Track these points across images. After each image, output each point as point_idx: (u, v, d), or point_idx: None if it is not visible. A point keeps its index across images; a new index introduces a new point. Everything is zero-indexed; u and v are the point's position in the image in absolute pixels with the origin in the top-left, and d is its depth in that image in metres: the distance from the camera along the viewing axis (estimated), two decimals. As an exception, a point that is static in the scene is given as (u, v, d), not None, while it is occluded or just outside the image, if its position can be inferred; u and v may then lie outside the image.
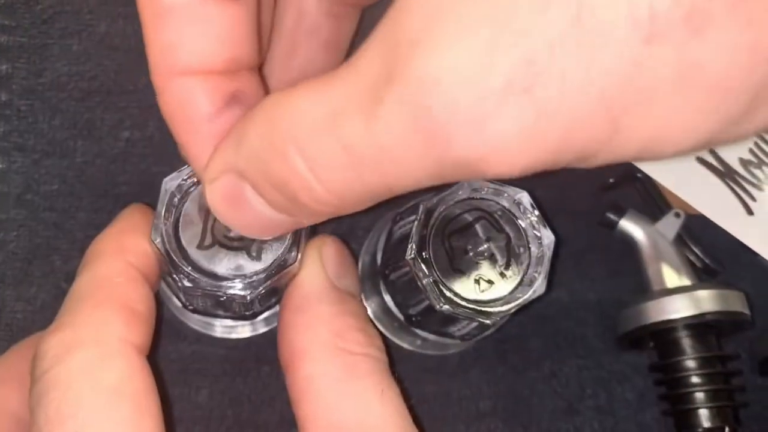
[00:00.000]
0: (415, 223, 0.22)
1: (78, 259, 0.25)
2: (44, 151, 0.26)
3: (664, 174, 0.28)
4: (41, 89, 0.27)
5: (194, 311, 0.24)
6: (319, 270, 0.21)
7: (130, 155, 0.27)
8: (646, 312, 0.25)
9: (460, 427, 0.26)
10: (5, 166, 0.26)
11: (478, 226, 0.22)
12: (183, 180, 0.21)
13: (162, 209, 0.21)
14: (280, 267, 0.21)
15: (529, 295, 0.21)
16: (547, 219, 0.23)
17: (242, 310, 0.23)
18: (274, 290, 0.23)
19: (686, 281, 0.26)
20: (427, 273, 0.21)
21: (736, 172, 0.28)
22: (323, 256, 0.22)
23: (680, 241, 0.27)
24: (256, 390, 0.26)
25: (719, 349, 0.26)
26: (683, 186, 0.28)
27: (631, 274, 0.27)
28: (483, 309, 0.21)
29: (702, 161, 0.28)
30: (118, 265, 0.20)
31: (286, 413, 0.26)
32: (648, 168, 0.28)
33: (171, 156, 0.27)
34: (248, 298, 0.21)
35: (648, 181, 0.28)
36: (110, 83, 0.27)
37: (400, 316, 0.24)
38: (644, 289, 0.27)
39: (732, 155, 0.28)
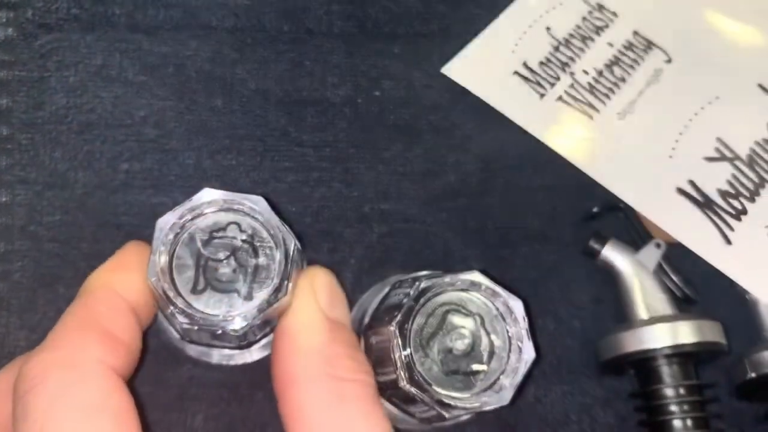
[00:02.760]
0: (407, 296, 0.22)
1: (80, 287, 0.26)
2: (46, 183, 0.27)
3: (645, 204, 0.29)
4: (41, 122, 0.28)
5: (191, 342, 0.25)
6: (310, 300, 0.22)
7: (130, 186, 0.28)
8: (627, 341, 0.26)
9: (447, 451, 0.27)
10: (9, 198, 0.27)
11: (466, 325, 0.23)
12: (177, 219, 0.22)
13: (157, 249, 0.22)
14: (270, 304, 0.22)
15: (494, 402, 0.21)
16: (535, 253, 0.23)
17: (237, 342, 0.24)
18: (267, 321, 0.24)
19: (666, 311, 0.27)
20: (402, 347, 0.22)
21: (715, 203, 0.29)
22: (316, 287, 0.23)
23: (660, 270, 0.28)
24: (250, 415, 0.27)
25: (697, 378, 0.26)
26: (663, 215, 0.28)
27: (613, 302, 0.28)
28: (445, 401, 0.21)
29: (682, 192, 0.29)
30: (105, 296, 0.21)
31: (281, 437, 0.27)
32: (630, 198, 0.29)
33: (169, 187, 0.28)
34: (241, 332, 0.22)
35: (630, 211, 0.29)
36: (108, 115, 0.28)
37: None
38: (625, 317, 0.28)
39: (711, 186, 0.29)
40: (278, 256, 0.23)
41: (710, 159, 0.29)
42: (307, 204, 0.29)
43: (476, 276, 0.23)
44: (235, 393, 0.27)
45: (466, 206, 0.30)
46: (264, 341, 0.26)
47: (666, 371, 0.26)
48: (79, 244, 0.27)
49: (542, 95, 0.30)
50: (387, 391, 0.24)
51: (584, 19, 0.31)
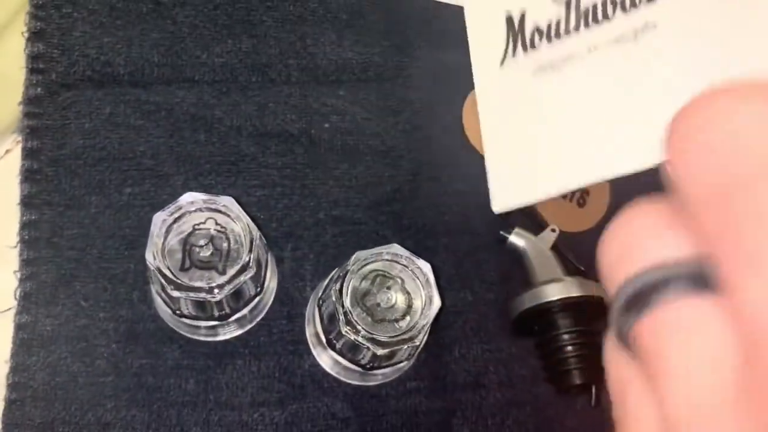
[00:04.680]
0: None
1: (93, 284, 0.34)
2: (66, 204, 0.35)
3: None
4: (63, 158, 0.35)
5: (181, 316, 0.32)
6: None
7: (132, 206, 0.35)
8: (527, 299, 0.33)
9: (391, 402, 0.34)
10: (37, 217, 0.34)
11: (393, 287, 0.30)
12: (167, 216, 0.30)
13: (153, 238, 0.29)
14: (238, 275, 0.29)
15: (413, 339, 0.29)
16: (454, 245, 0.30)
17: (217, 311, 0.31)
18: (238, 293, 0.31)
19: (559, 275, 0.34)
20: (342, 304, 0.29)
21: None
22: None
23: (556, 249, 0.35)
24: (232, 379, 0.33)
25: (586, 325, 0.33)
26: None
27: (520, 277, 0.35)
28: (376, 339, 0.28)
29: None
30: None
31: (257, 396, 0.33)
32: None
33: (163, 204, 0.35)
34: (218, 297, 0.29)
35: (531, 205, 0.36)
36: (115, 152, 0.36)
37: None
38: (529, 285, 0.35)
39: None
40: (245, 241, 0.30)
41: None
42: (272, 213, 0.36)
43: (396, 248, 0.30)
44: (219, 362, 0.33)
45: (400, 210, 0.37)
46: (237, 315, 0.33)
47: (559, 320, 0.32)
48: (92, 251, 0.34)
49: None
50: (336, 344, 0.31)
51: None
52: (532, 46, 0.32)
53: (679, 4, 0.27)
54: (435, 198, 0.37)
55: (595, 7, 0.30)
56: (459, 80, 0.39)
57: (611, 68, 0.29)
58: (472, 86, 0.39)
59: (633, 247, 0.14)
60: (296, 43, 0.39)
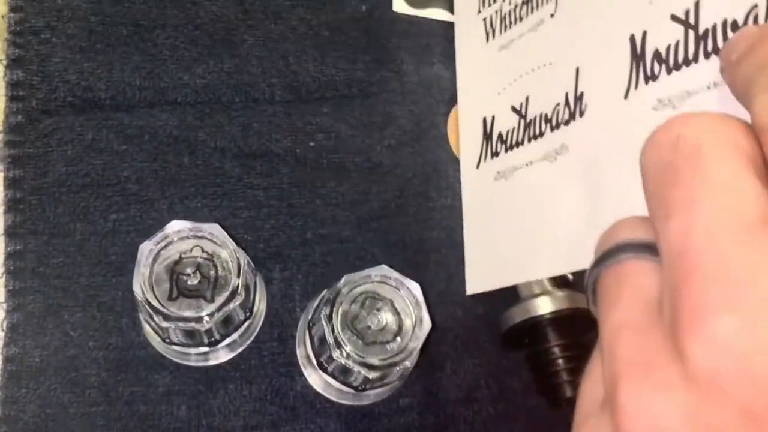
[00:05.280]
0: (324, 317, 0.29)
1: (81, 313, 0.33)
2: (51, 233, 0.34)
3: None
4: (46, 186, 0.35)
5: (171, 344, 0.32)
6: None
7: (118, 232, 0.35)
8: (518, 312, 0.33)
9: (384, 420, 0.34)
10: (22, 246, 0.34)
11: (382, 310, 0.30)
12: (154, 245, 0.29)
13: (140, 268, 0.29)
14: (227, 304, 0.29)
15: (405, 361, 0.29)
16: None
17: (207, 338, 0.31)
18: (228, 319, 0.30)
19: (547, 288, 0.34)
20: (331, 329, 0.29)
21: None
22: None
23: (544, 261, 0.35)
24: (224, 403, 0.33)
25: (576, 337, 0.33)
26: None
27: (510, 291, 0.35)
28: (367, 363, 0.28)
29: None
30: None
31: (249, 420, 0.33)
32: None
33: (149, 229, 0.35)
34: (207, 326, 0.29)
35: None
36: (99, 178, 0.35)
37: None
38: (518, 299, 0.35)
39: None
40: (233, 268, 0.30)
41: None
42: (259, 234, 0.36)
43: (384, 269, 0.30)
44: (210, 386, 0.33)
45: (388, 226, 0.37)
46: (228, 340, 0.32)
47: (549, 333, 0.33)
48: (79, 279, 0.34)
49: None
50: (327, 366, 0.31)
51: None
52: (496, 153, 0.35)
53: (585, 129, 0.29)
54: (422, 213, 0.37)
55: (534, 122, 0.33)
56: (442, 94, 0.39)
57: (542, 182, 0.32)
58: (455, 100, 0.39)
59: (612, 232, 0.19)
60: (279, 62, 0.39)
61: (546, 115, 0.32)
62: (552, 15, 0.33)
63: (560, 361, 0.32)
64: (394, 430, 0.34)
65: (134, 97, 0.37)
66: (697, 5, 0.24)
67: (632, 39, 0.27)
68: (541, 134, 0.32)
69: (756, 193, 0.15)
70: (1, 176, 0.35)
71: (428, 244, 0.37)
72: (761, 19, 0.21)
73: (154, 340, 0.33)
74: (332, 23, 0.40)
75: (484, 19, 0.38)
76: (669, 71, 0.24)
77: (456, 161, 0.38)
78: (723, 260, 0.14)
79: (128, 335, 0.33)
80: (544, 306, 0.33)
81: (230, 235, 0.34)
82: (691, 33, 0.24)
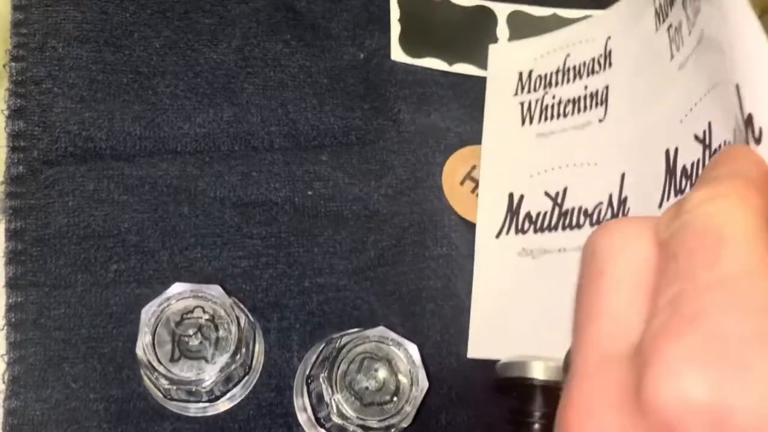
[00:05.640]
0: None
1: (82, 364, 0.34)
2: (52, 284, 0.35)
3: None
4: (47, 238, 0.35)
5: (172, 399, 0.32)
6: None
7: (118, 283, 0.35)
8: (516, 368, 0.34)
9: (380, 470, 0.34)
10: (23, 299, 0.34)
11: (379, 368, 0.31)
12: (156, 307, 0.30)
13: (143, 330, 0.30)
14: (229, 365, 0.29)
15: (401, 422, 0.29)
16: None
17: (207, 396, 0.32)
18: (228, 378, 0.31)
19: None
20: (330, 391, 0.29)
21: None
22: None
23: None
24: (224, 454, 0.34)
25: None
26: None
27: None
28: (365, 425, 0.29)
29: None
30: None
31: (248, 471, 0.34)
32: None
33: (149, 280, 0.36)
34: (209, 387, 0.30)
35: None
36: (99, 229, 0.36)
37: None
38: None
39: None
40: (233, 329, 0.30)
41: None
42: (258, 283, 0.36)
43: (382, 331, 0.31)
44: (210, 438, 0.34)
45: (385, 275, 0.37)
46: (228, 395, 0.33)
47: (537, 397, 0.33)
48: (80, 331, 0.35)
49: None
50: (325, 424, 0.32)
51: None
52: (522, 230, 0.37)
53: None
54: (419, 263, 0.38)
55: (572, 213, 0.35)
56: (438, 144, 0.40)
57: (574, 270, 0.33)
58: (452, 149, 0.40)
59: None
60: (278, 110, 0.39)
61: (586, 210, 0.34)
62: (600, 120, 0.36)
63: (536, 426, 0.33)
64: (390, 480, 0.34)
65: (135, 147, 0.37)
66: (709, 125, 0.25)
67: (667, 153, 0.29)
68: (579, 226, 0.34)
69: (638, 308, 0.17)
70: (2, 227, 0.35)
71: (424, 293, 0.37)
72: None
73: (155, 393, 0.33)
74: (331, 71, 0.40)
75: (521, 103, 0.39)
76: (692, 186, 0.26)
77: (451, 211, 0.39)
78: (583, 390, 0.17)
79: (129, 386, 0.34)
80: (541, 372, 0.33)
81: (229, 285, 0.34)
82: (707, 152, 0.26)
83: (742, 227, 0.16)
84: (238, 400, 0.34)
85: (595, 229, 0.19)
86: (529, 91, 0.40)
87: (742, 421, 0.14)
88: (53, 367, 0.34)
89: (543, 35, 0.42)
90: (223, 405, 0.34)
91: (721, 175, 0.18)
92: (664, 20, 0.33)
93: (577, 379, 0.17)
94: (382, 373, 0.31)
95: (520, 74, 0.41)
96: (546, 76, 0.40)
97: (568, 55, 0.40)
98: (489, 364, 0.36)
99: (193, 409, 0.34)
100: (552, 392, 0.33)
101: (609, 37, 0.38)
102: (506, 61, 0.42)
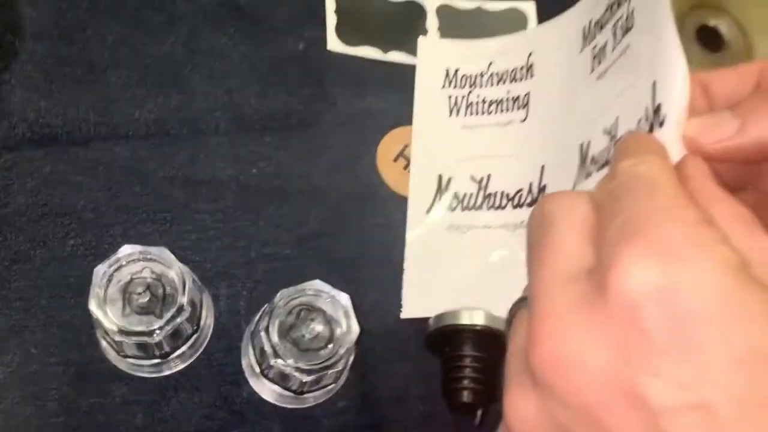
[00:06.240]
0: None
1: (42, 332, 0.36)
2: (12, 259, 0.37)
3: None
4: (7, 216, 0.38)
5: (126, 357, 0.35)
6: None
7: (75, 256, 0.38)
8: (443, 318, 0.37)
9: (323, 421, 0.37)
10: (-16, 273, 0.37)
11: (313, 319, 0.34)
12: (107, 268, 0.33)
13: (95, 289, 0.32)
14: (174, 318, 0.32)
15: (336, 365, 0.33)
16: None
17: (158, 351, 0.34)
18: (176, 333, 0.34)
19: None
20: (269, 339, 0.32)
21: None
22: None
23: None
24: (177, 411, 0.36)
25: (485, 352, 0.36)
26: None
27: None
28: (302, 367, 0.32)
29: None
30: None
31: (200, 425, 0.37)
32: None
33: (104, 253, 0.38)
34: (157, 339, 0.32)
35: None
36: (57, 208, 0.38)
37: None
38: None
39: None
40: (179, 286, 0.33)
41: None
42: (206, 255, 0.39)
43: (317, 284, 0.34)
44: (163, 395, 0.36)
45: (326, 244, 0.41)
46: (178, 353, 0.36)
47: (464, 342, 0.36)
48: (39, 301, 0.37)
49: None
50: (268, 373, 0.35)
51: None
52: (451, 207, 0.41)
53: None
54: (357, 232, 0.41)
55: (495, 196, 0.40)
56: (373, 124, 0.43)
57: (496, 244, 0.39)
58: (386, 130, 0.43)
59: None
60: (223, 96, 0.42)
61: (508, 195, 0.40)
62: (522, 120, 0.41)
63: (467, 369, 0.36)
64: (333, 430, 0.37)
65: (89, 132, 0.40)
66: (617, 120, 0.31)
67: (581, 147, 0.34)
68: (502, 207, 0.40)
69: (586, 250, 0.20)
70: (-35, 208, 0.38)
71: (363, 260, 0.40)
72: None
73: (111, 355, 0.36)
74: (272, 60, 0.43)
75: (449, 96, 0.44)
76: (599, 169, 0.31)
77: (386, 186, 0.42)
78: (547, 305, 0.20)
79: (86, 351, 0.36)
80: (467, 318, 0.37)
81: (179, 257, 0.37)
82: (612, 141, 0.31)
83: (667, 176, 0.21)
84: (190, 361, 0.37)
85: (542, 197, 0.24)
86: (455, 87, 0.44)
87: (685, 295, 0.18)
88: (14, 335, 0.36)
89: (469, 40, 0.46)
90: (174, 364, 0.36)
91: (634, 150, 0.23)
92: (590, 42, 0.37)
93: (540, 299, 0.20)
94: (318, 322, 0.33)
95: (447, 70, 0.45)
96: (471, 76, 0.44)
97: (491, 63, 0.44)
98: (422, 323, 0.39)
99: (147, 368, 0.36)
100: (480, 336, 0.36)
101: (531, 53, 0.43)
102: (434, 55, 0.45)
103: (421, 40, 0.46)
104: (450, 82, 0.44)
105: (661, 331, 0.18)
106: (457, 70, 0.45)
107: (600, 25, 0.37)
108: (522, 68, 0.43)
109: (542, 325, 0.19)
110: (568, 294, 0.19)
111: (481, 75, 0.44)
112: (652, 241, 0.18)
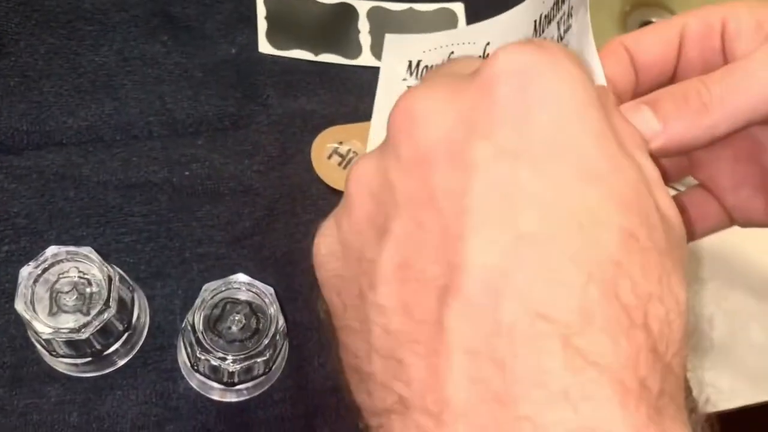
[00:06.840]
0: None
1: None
2: (-54, 267, 0.38)
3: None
4: (-59, 225, 0.39)
5: (58, 356, 0.35)
6: None
7: (10, 262, 0.38)
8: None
9: (259, 412, 0.38)
10: None
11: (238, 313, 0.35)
12: (34, 269, 0.33)
13: (21, 289, 0.33)
14: (100, 314, 0.33)
15: (253, 356, 0.33)
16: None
17: (89, 348, 0.35)
18: (106, 331, 0.35)
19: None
20: (193, 332, 0.33)
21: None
22: None
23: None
24: (112, 408, 0.37)
25: None
26: None
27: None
28: (221, 356, 0.33)
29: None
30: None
31: (136, 421, 0.37)
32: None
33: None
34: (84, 336, 0.33)
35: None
36: (-10, 215, 0.39)
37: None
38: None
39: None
40: (105, 284, 0.34)
41: None
42: (140, 256, 0.40)
43: (241, 277, 0.35)
44: (99, 394, 0.37)
45: (260, 242, 0.42)
46: (110, 350, 0.36)
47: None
48: (-25, 307, 0.38)
49: None
50: (198, 367, 0.36)
51: None
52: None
53: None
54: (290, 229, 0.42)
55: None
56: (306, 123, 0.44)
57: None
58: (319, 129, 0.44)
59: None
60: (155, 102, 0.43)
61: None
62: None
63: None
64: (269, 421, 0.38)
65: (22, 141, 0.41)
66: None
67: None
68: None
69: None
70: None
71: (296, 255, 0.41)
72: None
73: (45, 356, 0.36)
74: (205, 66, 0.45)
75: (409, 87, 0.44)
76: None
77: (319, 182, 0.43)
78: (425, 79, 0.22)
79: (21, 353, 0.37)
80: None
81: (114, 260, 0.38)
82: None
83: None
84: (126, 359, 0.38)
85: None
86: (417, 78, 0.45)
87: (542, 83, 0.20)
88: (-51, 341, 0.37)
89: (432, 34, 0.47)
90: (110, 363, 0.37)
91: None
92: (540, 35, 0.39)
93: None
94: (243, 315, 0.34)
95: (410, 62, 0.46)
96: (432, 66, 0.45)
97: (452, 52, 0.45)
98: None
99: (82, 367, 0.37)
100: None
101: (488, 43, 0.44)
102: (399, 48, 0.46)
103: (388, 37, 0.47)
104: (412, 73, 0.46)
105: (508, 106, 0.19)
106: (419, 62, 0.46)
107: (549, 19, 0.39)
108: (480, 57, 0.44)
109: (413, 88, 0.22)
110: (445, 78, 0.22)
111: (442, 64, 0.45)
112: (533, 40, 0.21)
